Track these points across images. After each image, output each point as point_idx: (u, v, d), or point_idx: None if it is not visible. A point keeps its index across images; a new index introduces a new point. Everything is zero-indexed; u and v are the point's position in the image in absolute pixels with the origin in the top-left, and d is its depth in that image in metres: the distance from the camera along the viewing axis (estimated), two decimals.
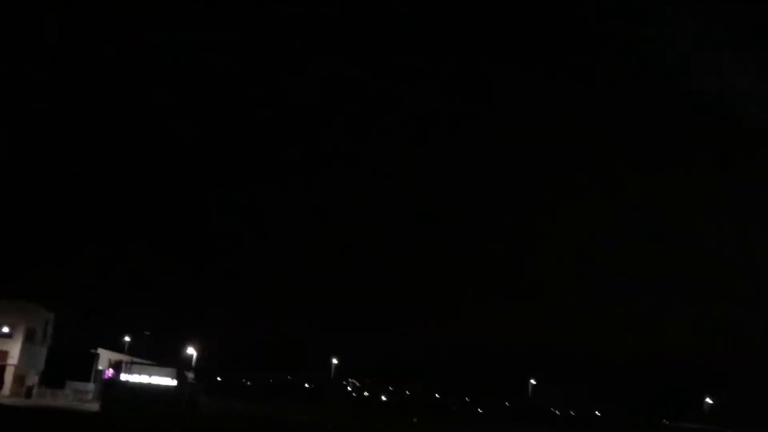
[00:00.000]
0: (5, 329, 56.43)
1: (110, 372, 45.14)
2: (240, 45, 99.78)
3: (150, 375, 41.21)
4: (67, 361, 62.06)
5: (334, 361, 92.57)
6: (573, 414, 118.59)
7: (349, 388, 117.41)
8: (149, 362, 48.39)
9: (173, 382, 41.68)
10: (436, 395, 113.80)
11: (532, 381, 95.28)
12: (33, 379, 58.47)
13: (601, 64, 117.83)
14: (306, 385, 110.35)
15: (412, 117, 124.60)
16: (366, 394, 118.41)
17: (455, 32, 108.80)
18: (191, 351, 75.35)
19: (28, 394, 54.40)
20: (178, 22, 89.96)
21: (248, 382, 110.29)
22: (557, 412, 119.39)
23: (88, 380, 57.66)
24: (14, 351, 56.37)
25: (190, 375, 57.71)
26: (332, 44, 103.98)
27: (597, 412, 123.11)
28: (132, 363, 40.80)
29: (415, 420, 77.10)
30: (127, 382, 38.30)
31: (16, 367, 56.27)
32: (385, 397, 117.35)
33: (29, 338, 58.44)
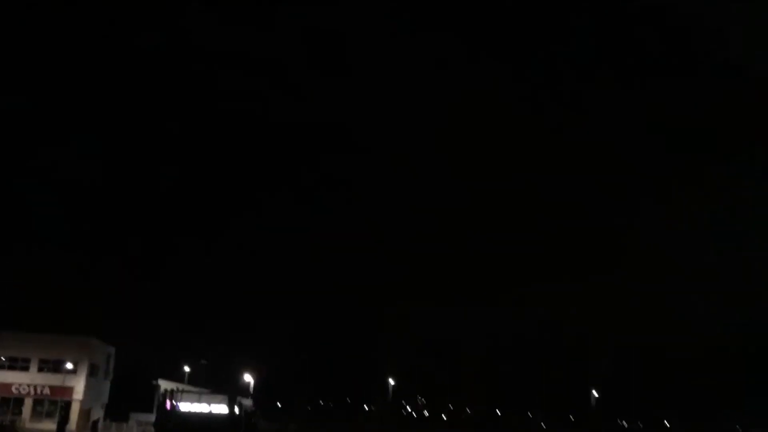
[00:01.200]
0: (69, 365, 58.58)
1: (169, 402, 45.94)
2: (241, 47, 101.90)
3: (203, 402, 41.59)
4: (129, 394, 64.01)
5: (391, 382, 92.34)
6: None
7: (409, 408, 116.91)
8: (200, 390, 49.08)
9: (226, 409, 42.05)
10: (497, 411, 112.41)
11: (595, 393, 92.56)
12: (98, 413, 60.45)
13: (601, 64, 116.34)
14: (365, 407, 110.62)
15: (412, 116, 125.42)
16: (426, 413, 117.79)
17: (455, 32, 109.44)
18: (249, 378, 76.30)
19: (94, 428, 56.00)
20: (178, 22, 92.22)
21: (308, 407, 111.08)
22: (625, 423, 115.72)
23: (150, 411, 58.87)
24: (79, 386, 58.44)
25: (248, 401, 58.38)
26: (332, 44, 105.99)
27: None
28: (183, 391, 41.31)
29: None
30: (178, 411, 38.74)
31: (81, 402, 58.36)
32: (445, 416, 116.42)
33: (92, 373, 60.52)
